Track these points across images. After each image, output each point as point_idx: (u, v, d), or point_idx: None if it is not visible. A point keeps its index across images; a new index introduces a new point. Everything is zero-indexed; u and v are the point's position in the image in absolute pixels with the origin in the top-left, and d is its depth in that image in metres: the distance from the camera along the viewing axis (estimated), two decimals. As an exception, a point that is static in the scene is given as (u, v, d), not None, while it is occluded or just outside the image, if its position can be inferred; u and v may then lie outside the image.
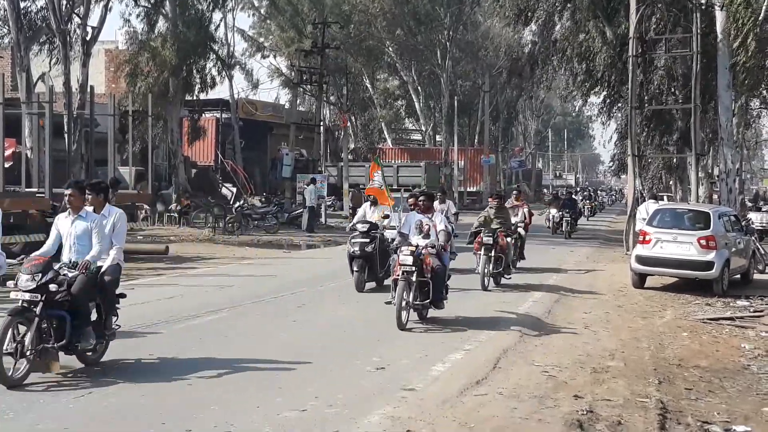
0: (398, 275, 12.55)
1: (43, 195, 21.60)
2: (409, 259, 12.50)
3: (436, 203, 17.02)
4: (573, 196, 39.15)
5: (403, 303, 12.36)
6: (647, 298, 17.17)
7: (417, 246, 12.82)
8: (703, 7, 25.33)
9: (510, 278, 18.03)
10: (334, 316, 13.75)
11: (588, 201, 53.45)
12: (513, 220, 20.00)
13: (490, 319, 13.72)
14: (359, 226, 16.99)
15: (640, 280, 18.65)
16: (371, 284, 16.71)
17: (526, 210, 21.89)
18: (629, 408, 8.61)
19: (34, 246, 20.31)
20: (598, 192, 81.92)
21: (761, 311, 15.70)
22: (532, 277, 19.75)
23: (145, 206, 32.67)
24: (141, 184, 32.22)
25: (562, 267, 22.49)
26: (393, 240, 14.40)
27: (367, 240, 16.46)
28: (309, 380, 9.20)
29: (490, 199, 19.26)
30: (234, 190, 44.71)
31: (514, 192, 23.67)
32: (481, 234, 17.50)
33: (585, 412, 8.28)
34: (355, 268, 16.35)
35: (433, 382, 9.42)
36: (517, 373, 9.98)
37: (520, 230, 20.70)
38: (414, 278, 12.53)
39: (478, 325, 13.11)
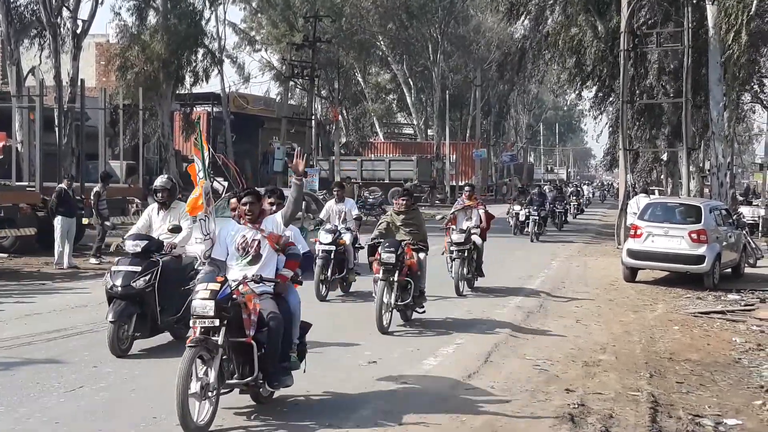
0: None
1: (33, 189, 21.46)
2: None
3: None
4: (542, 191, 32.76)
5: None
6: (638, 292, 17.21)
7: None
8: (694, 1, 25.37)
9: (423, 311, 12.66)
10: (326, 310, 13.72)
11: (575, 197, 48.05)
12: (465, 225, 16.26)
13: (481, 314, 13.72)
14: (129, 245, 10.34)
15: (631, 274, 18.69)
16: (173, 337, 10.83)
17: (482, 211, 16.64)
18: (620, 401, 8.63)
19: (25, 240, 20.38)
20: (583, 186, 69.95)
21: (752, 305, 15.74)
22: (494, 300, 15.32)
23: (136, 200, 32.46)
24: (132, 178, 32.04)
25: (527, 286, 17.45)
26: (195, 270, 9.86)
27: (139, 269, 10.09)
28: (300, 374, 9.18)
29: (395, 201, 13.49)
30: (225, 184, 44.50)
31: (466, 189, 17.33)
32: (380, 249, 12.15)
33: (576, 406, 8.29)
34: (110, 317, 9.79)
35: (425, 376, 9.42)
36: (508, 367, 9.99)
37: (475, 238, 16.08)
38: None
39: (469, 321, 13.12)
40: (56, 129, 28.47)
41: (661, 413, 8.25)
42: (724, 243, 18.64)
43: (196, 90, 44.32)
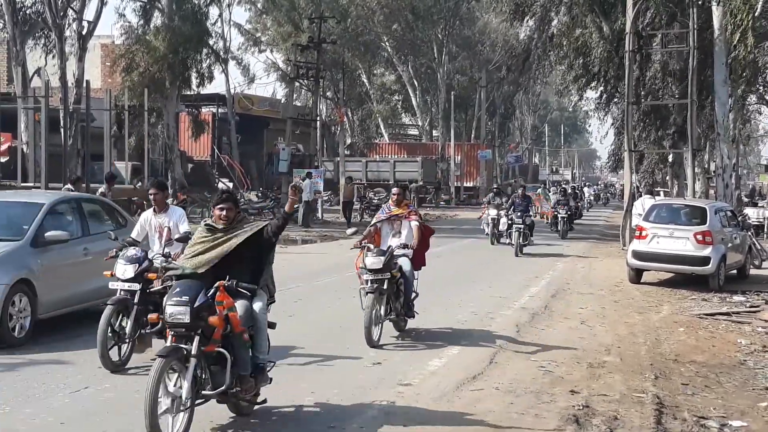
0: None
1: (39, 189, 21.55)
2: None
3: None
4: (527, 193, 28.11)
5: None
6: (644, 294, 17.19)
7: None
8: (700, 3, 25.35)
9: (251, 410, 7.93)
10: (330, 311, 13.74)
11: (573, 200, 39.25)
12: (391, 242, 11.55)
13: (485, 315, 13.72)
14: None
15: (636, 276, 18.67)
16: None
17: (414, 223, 11.72)
18: (625, 403, 8.62)
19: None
20: (583, 189, 64.35)
21: (757, 306, 15.72)
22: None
23: (143, 201, 32.66)
24: (137, 179, 32.15)
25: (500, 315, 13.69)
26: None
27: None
28: (305, 375, 9.19)
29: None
30: (230, 185, 44.67)
31: (394, 192, 12.05)
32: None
33: (581, 407, 8.29)
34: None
35: (429, 377, 9.42)
36: (513, 368, 9.98)
37: (403, 262, 11.35)
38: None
39: (473, 321, 13.12)
40: (62, 130, 28.56)
41: (666, 415, 8.24)
42: (730, 244, 18.62)
43: (202, 91, 44.37)
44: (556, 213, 32.31)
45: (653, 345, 11.85)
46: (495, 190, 29.55)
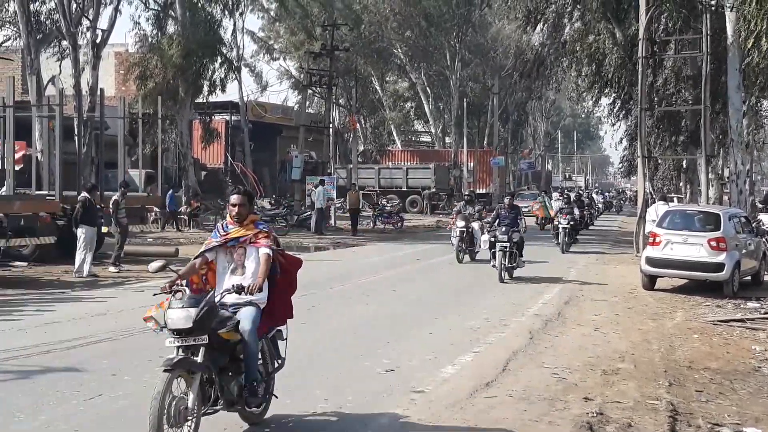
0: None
1: (53, 198, 21.58)
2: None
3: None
4: (515, 203, 22.85)
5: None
6: (657, 300, 17.13)
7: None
8: (713, 8, 25.28)
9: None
10: (343, 318, 13.75)
11: (580, 208, 34.87)
12: (231, 281, 7.33)
13: (498, 321, 13.71)
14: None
15: (650, 282, 18.61)
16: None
17: (264, 251, 7.40)
18: (639, 410, 8.59)
19: (44, 249, 20.51)
20: (593, 195, 59.82)
21: (772, 313, 15.64)
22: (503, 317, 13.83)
23: (155, 209, 32.76)
24: (151, 187, 32.21)
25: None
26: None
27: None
28: (318, 382, 9.20)
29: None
30: (243, 192, 44.72)
31: (232, 204, 7.46)
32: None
33: (595, 414, 8.27)
34: None
35: (442, 384, 9.41)
36: (526, 375, 9.96)
37: (244, 315, 7.17)
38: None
39: (486, 327, 13.11)
40: (76, 138, 28.64)
41: (680, 422, 8.21)
42: (744, 251, 18.55)
43: (215, 99, 44.53)
44: (557, 223, 28.33)
45: (667, 352, 11.81)
46: (466, 197, 25.71)
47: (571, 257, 26.21)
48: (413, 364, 10.41)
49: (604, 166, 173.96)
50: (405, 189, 54.89)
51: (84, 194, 19.46)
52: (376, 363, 10.30)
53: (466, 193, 29.92)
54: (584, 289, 18.33)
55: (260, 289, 7.17)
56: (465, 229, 23.25)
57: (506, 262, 19.10)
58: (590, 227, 40.43)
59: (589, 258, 26.09)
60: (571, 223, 28.13)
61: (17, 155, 30.22)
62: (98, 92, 30.17)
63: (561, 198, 32.09)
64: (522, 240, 19.82)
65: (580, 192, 54.91)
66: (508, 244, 19.06)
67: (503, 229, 19.32)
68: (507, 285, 18.45)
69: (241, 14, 50.53)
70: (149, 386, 8.79)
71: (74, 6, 33.50)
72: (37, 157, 28.41)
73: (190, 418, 6.52)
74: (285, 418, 7.88)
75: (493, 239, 19.60)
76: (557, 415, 8.31)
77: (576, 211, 29.84)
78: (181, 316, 6.58)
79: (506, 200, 21.32)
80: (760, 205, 42.42)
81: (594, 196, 59.18)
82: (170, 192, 34.91)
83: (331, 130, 47.06)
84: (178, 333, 6.62)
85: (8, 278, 18.33)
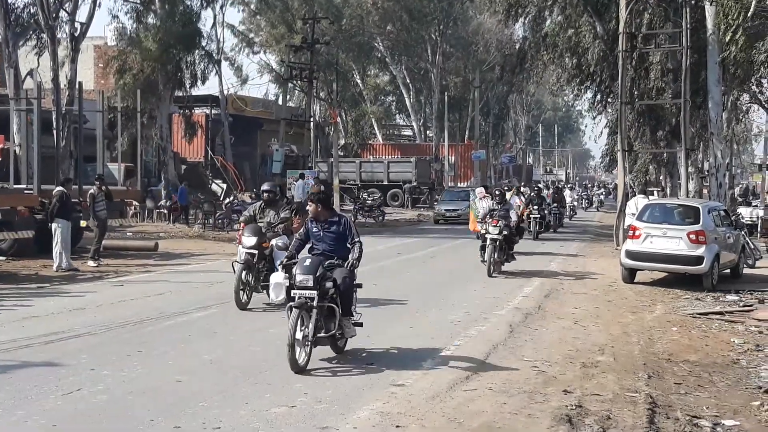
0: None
1: (31, 192, 21.43)
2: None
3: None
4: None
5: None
6: (637, 293, 17.20)
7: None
8: (693, 2, 25.39)
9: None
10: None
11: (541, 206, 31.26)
12: None
13: (479, 314, 13.72)
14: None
15: (629, 275, 18.67)
16: None
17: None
18: (618, 403, 8.62)
19: (23, 243, 20.36)
20: (563, 191, 44.76)
21: (751, 306, 15.72)
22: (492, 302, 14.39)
23: (135, 203, 32.57)
24: (130, 181, 32.06)
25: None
26: None
27: None
28: (298, 376, 9.18)
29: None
30: (224, 186, 44.63)
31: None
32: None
33: (574, 407, 8.29)
34: None
35: (422, 378, 9.40)
36: (506, 369, 9.97)
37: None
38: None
39: (467, 321, 13.12)
40: (54, 132, 28.49)
41: (659, 414, 8.24)
42: (723, 244, 18.63)
43: (195, 92, 44.33)
44: (483, 232, 19.48)
45: (646, 344, 11.86)
46: (499, 192, 21.42)
47: (548, 251, 25.99)
48: (393, 357, 10.40)
49: (585, 160, 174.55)
50: (386, 183, 54.79)
51: (59, 188, 19.33)
52: (355, 357, 10.28)
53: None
54: (564, 283, 18.38)
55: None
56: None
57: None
58: (557, 230, 34.63)
59: (569, 251, 26.15)
60: (504, 232, 19.22)
61: (-5, 149, 29.99)
62: (77, 86, 30.00)
63: (489, 196, 21.81)
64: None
65: (560, 186, 51.42)
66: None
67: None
68: (489, 279, 18.45)
69: (221, 7, 50.29)
70: (127, 381, 8.80)
71: (52, -1, 33.24)
72: (15, 151, 28.20)
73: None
74: (263, 410, 7.86)
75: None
76: (537, 407, 8.33)
77: (513, 216, 20.49)
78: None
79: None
80: (739, 198, 42.72)
81: (566, 193, 47.78)
82: (182, 186, 34.91)
83: (312, 123, 47.01)
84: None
85: (-14, 273, 18.20)
